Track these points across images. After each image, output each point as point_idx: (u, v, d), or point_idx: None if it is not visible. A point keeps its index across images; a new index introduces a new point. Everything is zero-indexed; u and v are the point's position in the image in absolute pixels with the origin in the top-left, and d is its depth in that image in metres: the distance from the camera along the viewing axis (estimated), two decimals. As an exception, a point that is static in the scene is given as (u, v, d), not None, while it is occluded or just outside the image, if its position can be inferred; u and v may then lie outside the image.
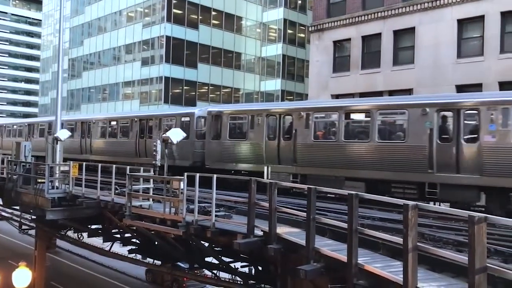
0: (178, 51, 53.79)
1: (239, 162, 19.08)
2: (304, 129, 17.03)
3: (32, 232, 27.24)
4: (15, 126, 39.55)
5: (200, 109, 22.20)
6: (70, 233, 25.47)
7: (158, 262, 21.91)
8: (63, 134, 19.89)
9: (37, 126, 35.05)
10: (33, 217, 23.33)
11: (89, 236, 24.78)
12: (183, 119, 22.04)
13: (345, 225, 8.13)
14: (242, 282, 18.03)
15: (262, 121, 18.39)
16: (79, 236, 25.32)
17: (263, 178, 15.57)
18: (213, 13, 57.32)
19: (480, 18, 22.67)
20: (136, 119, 24.94)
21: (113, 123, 26.91)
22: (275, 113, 18.31)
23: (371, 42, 27.24)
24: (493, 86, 21.58)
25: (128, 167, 15.78)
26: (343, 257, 7.93)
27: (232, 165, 19.26)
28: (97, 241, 26.13)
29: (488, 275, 5.74)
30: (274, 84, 61.36)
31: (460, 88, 22.66)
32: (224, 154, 19.58)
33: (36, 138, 33.47)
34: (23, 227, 28.67)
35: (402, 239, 6.80)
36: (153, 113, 26.06)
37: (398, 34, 25.91)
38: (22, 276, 12.46)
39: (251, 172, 18.29)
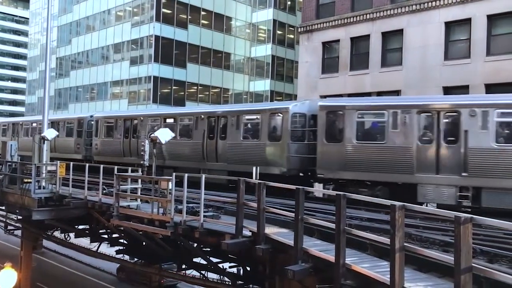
0: (167, 51, 53.58)
1: (376, 171, 15.01)
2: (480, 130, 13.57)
3: (18, 232, 26.94)
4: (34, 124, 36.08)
5: (296, 103, 18.09)
6: (56, 234, 25.24)
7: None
8: (50, 133, 19.70)
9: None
10: (19, 217, 23.08)
11: (76, 237, 24.63)
12: (271, 115, 18.03)
13: (333, 226, 8.17)
14: (230, 283, 18.01)
15: (412, 119, 14.62)
16: (66, 236, 25.11)
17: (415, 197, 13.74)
18: (203, 13, 57.19)
19: (467, 21, 22.93)
20: (203, 116, 20.60)
21: (170, 120, 22.49)
22: (432, 109, 14.51)
23: (359, 43, 27.39)
24: (480, 88, 21.83)
25: (115, 167, 15.64)
26: (331, 257, 7.97)
27: (363, 175, 15.31)
28: (84, 242, 25.93)
29: (473, 275, 5.80)
30: (263, 85, 61.41)
31: (447, 90, 22.91)
32: (349, 160, 15.57)
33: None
34: (9, 227, 28.35)
35: (389, 240, 6.85)
36: (229, 108, 22.03)
37: (386, 35, 26.10)
38: (7, 277, 12.30)
39: (394, 184, 14.88)
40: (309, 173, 17.40)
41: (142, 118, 23.55)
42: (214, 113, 20.40)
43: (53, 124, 29.23)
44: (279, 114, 17.77)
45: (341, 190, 14.11)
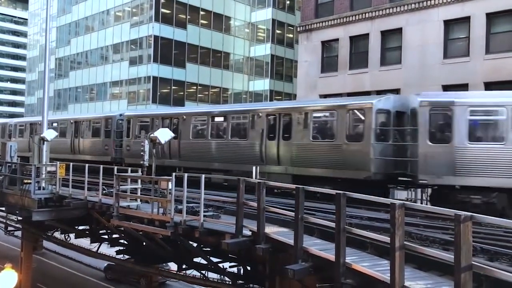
0: (166, 51, 53.56)
1: (493, 176, 13.35)
2: None
3: (18, 233, 26.94)
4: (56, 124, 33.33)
5: (379, 98, 16.21)
6: (57, 234, 25.23)
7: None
8: (50, 134, 19.69)
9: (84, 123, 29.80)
10: (19, 218, 23.08)
11: (76, 237, 24.62)
12: (351, 112, 15.96)
13: (333, 225, 8.16)
14: (230, 282, 18.00)
15: None
16: (66, 237, 25.10)
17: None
18: (202, 13, 57.17)
19: (466, 19, 22.91)
20: (261, 114, 18.31)
21: (219, 119, 20.37)
22: None
23: (359, 42, 27.38)
24: (479, 86, 21.83)
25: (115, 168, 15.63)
26: (331, 256, 7.97)
27: (476, 180, 13.44)
28: (84, 242, 25.92)
29: (474, 273, 5.79)
30: (262, 84, 61.39)
31: (446, 88, 22.89)
32: (460, 164, 13.71)
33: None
34: (9, 228, 28.33)
35: (389, 238, 6.85)
36: (295, 104, 19.05)
37: (385, 34, 26.08)
38: (7, 278, 12.29)
39: None
40: (395, 178, 15.66)
41: (184, 117, 21.26)
42: (276, 110, 18.20)
43: (77, 123, 27.98)
44: (361, 110, 15.70)
45: (447, 197, 13.53)
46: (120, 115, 25.65)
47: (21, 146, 31.76)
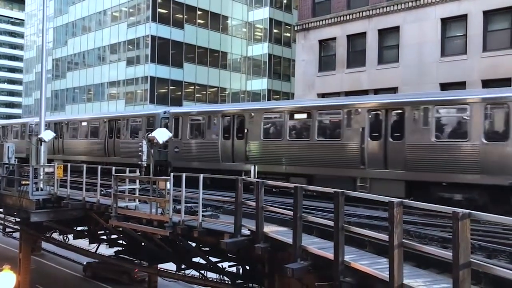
0: (163, 51, 53.52)
1: None
2: None
3: (17, 234, 26.91)
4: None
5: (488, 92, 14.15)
6: (55, 235, 25.22)
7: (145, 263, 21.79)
8: (47, 135, 19.66)
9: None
10: (17, 219, 23.04)
11: (74, 238, 24.57)
12: (490, 107, 13.51)
13: (331, 223, 8.16)
14: (229, 282, 18.02)
15: None
16: (65, 238, 25.08)
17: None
18: (199, 12, 57.13)
19: (463, 17, 22.93)
20: (360, 109, 15.73)
21: (300, 116, 17.54)
22: None
23: (356, 41, 27.37)
24: (476, 84, 21.86)
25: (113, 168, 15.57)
26: (330, 255, 7.97)
27: None
28: (83, 243, 25.90)
29: (472, 270, 5.80)
30: (260, 84, 61.39)
31: (444, 87, 22.92)
32: None
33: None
34: (7, 229, 28.30)
35: (388, 236, 6.85)
36: (406, 98, 15.57)
37: (382, 33, 26.08)
38: (6, 279, 12.26)
39: None
40: None
41: (252, 114, 18.56)
42: (381, 105, 15.50)
43: (110, 121, 25.37)
44: (503, 105, 13.29)
45: None
46: (165, 112, 23.16)
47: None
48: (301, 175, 16.64)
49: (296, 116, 17.59)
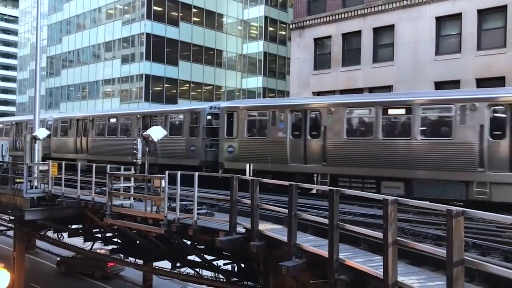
0: (158, 49, 53.37)
1: None
2: None
3: (11, 233, 26.80)
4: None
5: None
6: (50, 233, 25.14)
7: (140, 261, 21.78)
8: (41, 132, 19.58)
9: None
10: (11, 217, 22.95)
11: (69, 236, 24.55)
12: None
13: (326, 221, 8.19)
14: (224, 280, 18.04)
15: None
16: (59, 236, 25.01)
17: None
18: (194, 10, 57.00)
19: (458, 16, 23.01)
20: (477, 104, 13.76)
21: (396, 111, 15.53)
22: None
23: (351, 39, 27.42)
24: (471, 83, 21.95)
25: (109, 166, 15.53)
26: (325, 253, 8.00)
27: None
28: (78, 241, 25.84)
29: (466, 267, 5.84)
30: (255, 82, 61.36)
31: (439, 85, 23.01)
32: None
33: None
34: (1, 228, 28.18)
35: (382, 234, 6.88)
36: (499, 93, 14.34)
37: (377, 31, 26.13)
38: (0, 278, 12.23)
39: None
40: None
41: (332, 109, 16.30)
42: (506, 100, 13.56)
43: (144, 118, 22.99)
44: None
45: None
46: (211, 107, 20.75)
47: (63, 146, 27.78)
48: (396, 179, 14.86)
49: (391, 111, 15.44)
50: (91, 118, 26.43)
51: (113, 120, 25.04)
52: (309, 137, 16.71)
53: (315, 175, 16.40)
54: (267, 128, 17.82)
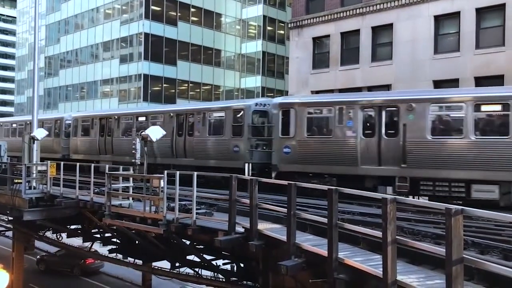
0: (156, 48, 53.30)
1: None
2: None
3: (9, 233, 26.76)
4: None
5: None
6: (48, 234, 25.11)
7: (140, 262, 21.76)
8: (39, 133, 19.54)
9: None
10: (10, 218, 22.91)
11: (68, 237, 24.55)
12: None
13: (325, 220, 8.18)
14: (224, 280, 18.03)
15: None
16: (58, 236, 24.99)
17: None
18: (192, 9, 56.93)
19: (456, 14, 23.03)
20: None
21: (490, 107, 14.09)
22: None
23: (350, 38, 27.42)
24: (469, 81, 21.96)
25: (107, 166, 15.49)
26: (324, 252, 7.99)
27: None
28: (76, 241, 25.82)
29: (465, 266, 5.83)
30: (254, 81, 61.32)
31: (437, 84, 23.01)
32: None
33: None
34: (0, 228, 28.13)
35: (381, 233, 6.87)
36: None
37: (376, 30, 26.14)
38: (-1, 278, 12.21)
39: None
40: None
41: (413, 105, 14.74)
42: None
43: (179, 116, 21.18)
44: None
45: None
46: (257, 104, 19.15)
47: (84, 149, 26.24)
48: (493, 182, 13.51)
49: (485, 108, 13.94)
50: (116, 117, 24.73)
51: (141, 118, 23.24)
52: (384, 136, 15.21)
53: (394, 178, 14.90)
54: (332, 127, 16.26)
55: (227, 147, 19.00)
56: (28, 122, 30.87)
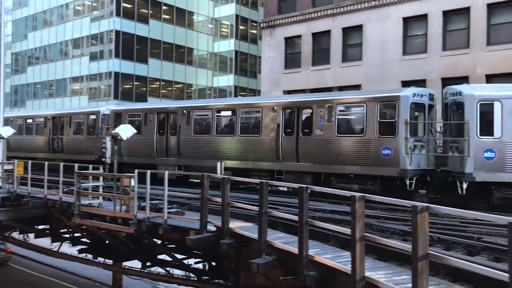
0: (128, 46, 52.57)
1: None
2: None
3: (-26, 234, 25.98)
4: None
5: None
6: (15, 234, 24.52)
7: (110, 261, 21.48)
8: (6, 131, 19.05)
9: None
10: (-25, 219, 22.25)
11: (36, 237, 23.97)
12: None
13: (296, 218, 8.27)
14: (195, 278, 18.01)
15: None
16: (25, 237, 24.43)
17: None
18: (164, 7, 56.38)
19: (424, 17, 23.57)
20: None
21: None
22: None
23: (321, 39, 27.71)
24: (436, 82, 22.50)
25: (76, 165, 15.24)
26: (294, 249, 8.08)
27: None
28: (45, 242, 25.28)
29: (430, 262, 6.01)
30: (227, 80, 61.21)
31: (406, 84, 23.47)
32: None
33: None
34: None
35: (350, 230, 7.00)
36: None
37: (346, 31, 26.50)
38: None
39: None
40: None
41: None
42: None
43: (299, 110, 16.47)
44: None
45: None
46: (415, 94, 14.89)
47: (133, 148, 20.27)
48: None
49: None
50: (184, 111, 19.46)
51: (225, 113, 18.62)
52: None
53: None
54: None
55: (373, 149, 14.78)
56: (49, 117, 26.26)
